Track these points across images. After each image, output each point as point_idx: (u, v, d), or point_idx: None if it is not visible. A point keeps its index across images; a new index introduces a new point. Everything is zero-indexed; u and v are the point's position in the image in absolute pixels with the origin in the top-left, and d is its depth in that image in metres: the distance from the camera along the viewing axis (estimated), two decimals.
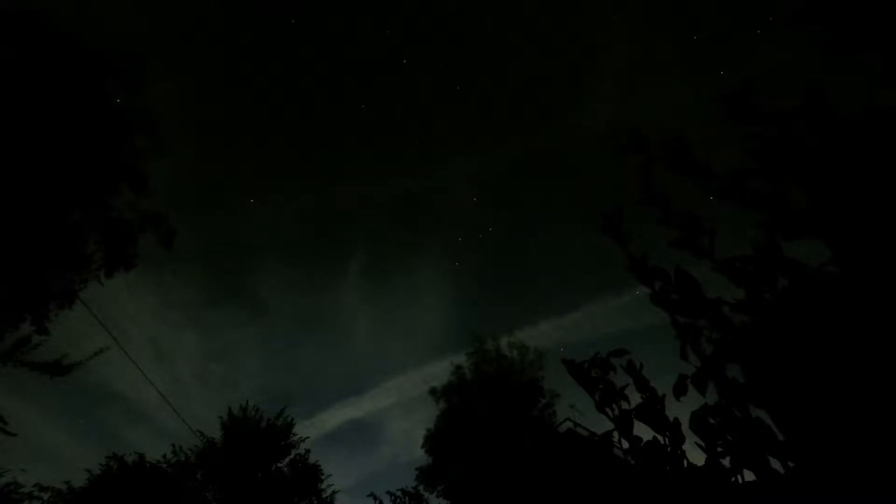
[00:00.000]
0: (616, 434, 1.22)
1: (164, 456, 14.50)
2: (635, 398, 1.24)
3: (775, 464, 0.96)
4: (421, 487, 15.57)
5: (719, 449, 1.04)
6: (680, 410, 1.17)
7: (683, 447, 1.14)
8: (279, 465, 16.16)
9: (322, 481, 16.49)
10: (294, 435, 16.68)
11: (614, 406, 1.24)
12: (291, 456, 16.45)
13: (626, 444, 1.18)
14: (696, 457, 1.09)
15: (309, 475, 16.30)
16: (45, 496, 11.54)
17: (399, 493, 11.79)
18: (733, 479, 1.01)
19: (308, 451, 16.48)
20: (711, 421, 1.05)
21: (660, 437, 1.15)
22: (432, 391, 17.17)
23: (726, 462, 1.03)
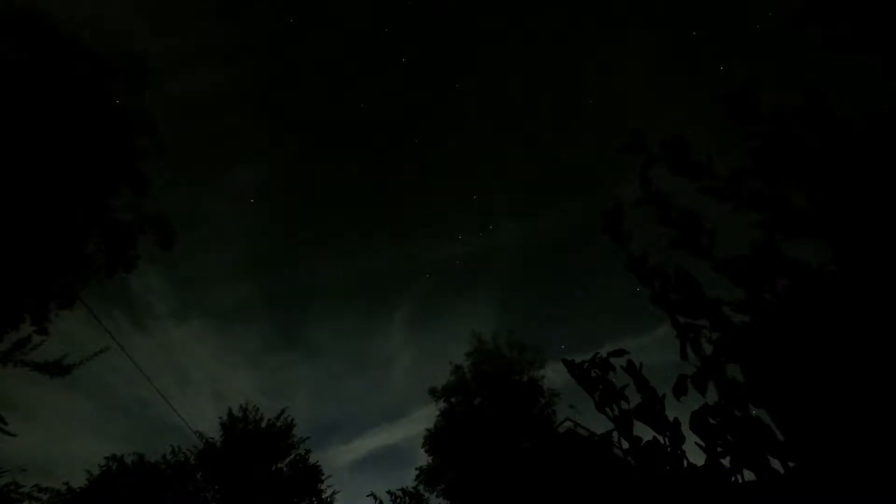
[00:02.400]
0: (616, 434, 1.22)
1: (164, 456, 14.49)
2: (635, 399, 1.24)
3: (775, 464, 0.96)
4: (421, 487, 15.54)
5: (719, 449, 1.04)
6: (680, 410, 1.17)
7: (683, 447, 1.14)
8: (279, 465, 16.14)
9: (322, 481, 16.46)
10: (294, 435, 16.66)
11: (614, 406, 1.24)
12: (291, 456, 16.42)
13: (626, 444, 1.18)
14: (697, 457, 1.09)
15: (309, 475, 16.28)
16: (45, 496, 11.52)
17: (399, 493, 11.79)
18: (733, 479, 1.01)
19: (308, 451, 16.47)
20: (711, 421, 1.05)
21: (660, 437, 1.15)
22: (432, 391, 17.16)
23: (726, 462, 1.03)
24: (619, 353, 1.29)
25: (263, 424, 16.20)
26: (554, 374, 16.04)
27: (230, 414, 16.13)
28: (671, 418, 1.17)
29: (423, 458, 16.42)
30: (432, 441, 16.55)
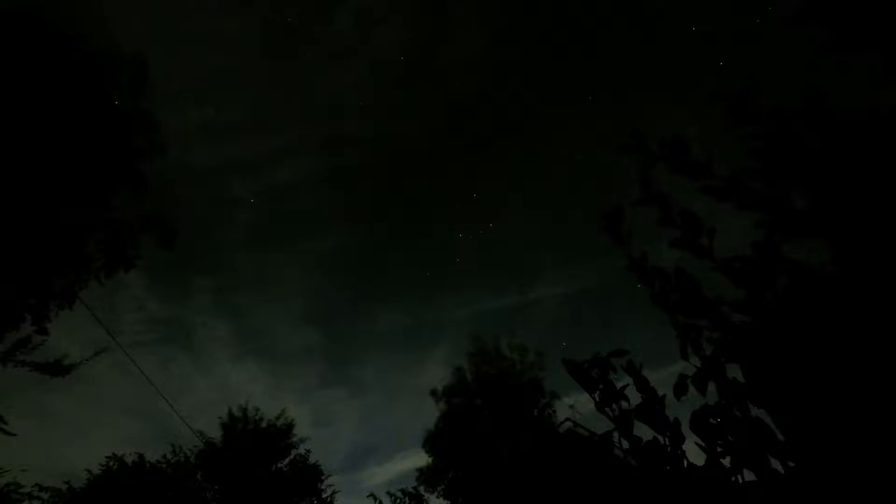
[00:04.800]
0: (616, 434, 1.22)
1: (165, 456, 14.48)
2: (635, 398, 1.24)
3: (775, 464, 0.96)
4: (421, 488, 15.54)
5: (719, 449, 1.04)
6: (680, 410, 1.17)
7: (683, 447, 1.14)
8: (279, 465, 16.14)
9: (322, 481, 16.46)
10: (294, 435, 16.65)
11: (614, 406, 1.24)
12: (291, 456, 16.42)
13: (626, 444, 1.18)
14: (697, 457, 1.10)
15: (309, 475, 16.27)
16: (45, 496, 11.52)
17: (399, 494, 11.78)
18: (733, 479, 1.01)
19: (308, 451, 16.47)
20: (711, 421, 1.05)
21: (660, 437, 1.15)
22: (433, 392, 17.16)
23: (726, 462, 1.03)
24: (620, 353, 1.29)
25: (263, 424, 16.20)
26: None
27: (230, 414, 16.13)
28: (671, 418, 1.17)
29: None
30: (432, 441, 16.55)
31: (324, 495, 16.26)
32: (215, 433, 15.45)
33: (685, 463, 1.11)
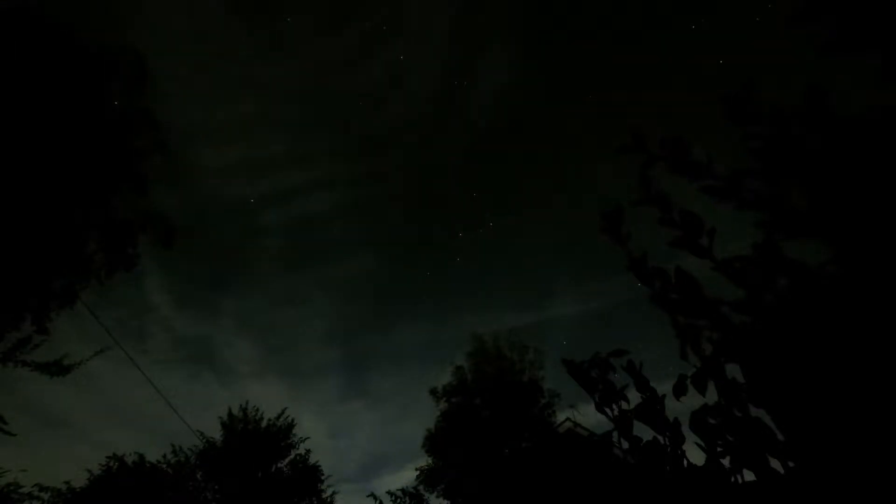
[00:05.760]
0: (616, 434, 1.22)
1: (165, 456, 14.48)
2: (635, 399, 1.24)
3: (775, 464, 0.96)
4: (421, 487, 15.53)
5: (719, 449, 1.04)
6: (680, 410, 1.17)
7: (683, 447, 1.14)
8: (279, 465, 16.13)
9: (322, 481, 16.45)
10: (294, 435, 16.63)
11: (614, 406, 1.24)
12: (291, 456, 16.40)
13: (626, 444, 1.18)
14: (697, 457, 1.10)
15: (309, 475, 16.26)
16: (45, 496, 11.52)
17: (399, 493, 11.78)
18: (733, 479, 1.01)
19: (308, 451, 16.45)
20: (711, 421, 1.05)
21: (660, 437, 1.15)
22: (433, 391, 17.16)
23: (726, 462, 1.03)
24: (619, 353, 1.29)
25: (264, 424, 16.19)
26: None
27: (230, 414, 16.12)
28: (671, 418, 1.17)
29: None
30: (432, 441, 16.54)
31: (324, 496, 16.26)
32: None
33: (685, 463, 1.11)
